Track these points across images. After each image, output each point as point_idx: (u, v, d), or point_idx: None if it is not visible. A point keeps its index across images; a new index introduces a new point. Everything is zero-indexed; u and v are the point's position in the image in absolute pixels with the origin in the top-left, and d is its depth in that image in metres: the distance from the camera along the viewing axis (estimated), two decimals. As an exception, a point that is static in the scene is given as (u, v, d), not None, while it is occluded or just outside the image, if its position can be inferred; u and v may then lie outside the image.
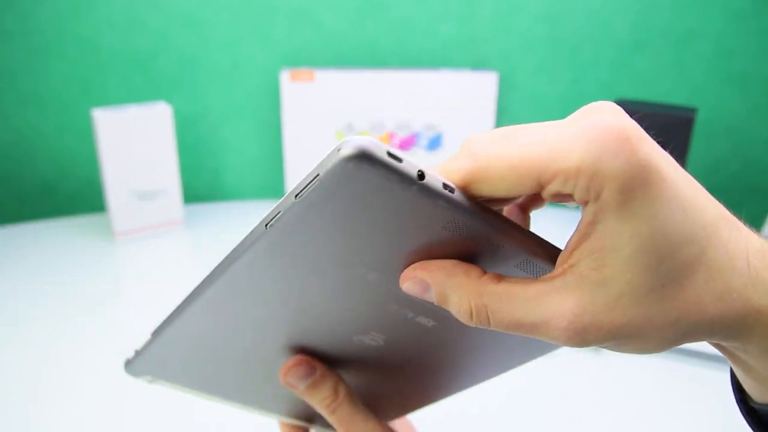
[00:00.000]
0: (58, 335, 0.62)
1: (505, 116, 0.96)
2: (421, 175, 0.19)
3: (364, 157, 0.18)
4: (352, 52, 0.93)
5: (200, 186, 0.99)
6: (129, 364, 0.31)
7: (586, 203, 0.19)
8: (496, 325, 0.21)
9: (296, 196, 0.19)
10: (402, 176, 0.18)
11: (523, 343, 0.27)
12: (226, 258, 0.23)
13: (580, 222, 0.20)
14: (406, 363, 0.30)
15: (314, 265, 0.23)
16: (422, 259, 0.22)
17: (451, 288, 0.21)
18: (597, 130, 0.18)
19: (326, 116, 0.90)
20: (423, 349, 0.28)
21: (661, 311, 0.19)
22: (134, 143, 0.79)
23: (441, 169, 0.21)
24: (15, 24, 0.85)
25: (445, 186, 0.19)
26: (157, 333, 0.28)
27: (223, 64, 0.92)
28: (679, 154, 0.78)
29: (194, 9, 0.88)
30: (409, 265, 0.22)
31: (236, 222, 0.89)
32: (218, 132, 0.96)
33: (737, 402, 0.25)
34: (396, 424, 0.38)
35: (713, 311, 0.19)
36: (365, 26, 0.91)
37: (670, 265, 0.19)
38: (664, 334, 0.20)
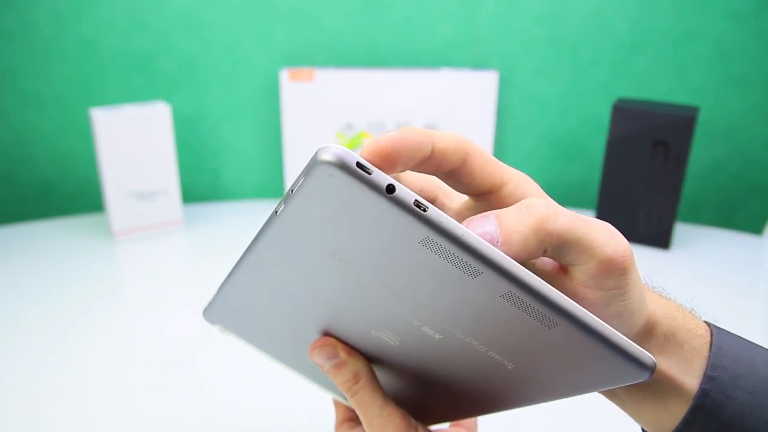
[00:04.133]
0: (57, 334, 0.62)
1: (505, 116, 0.96)
2: (391, 189, 0.20)
3: (334, 165, 0.20)
4: (352, 52, 0.93)
5: (200, 186, 0.99)
6: (205, 311, 0.34)
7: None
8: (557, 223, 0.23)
9: (291, 191, 0.21)
10: (371, 187, 0.20)
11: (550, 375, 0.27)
12: (259, 232, 0.25)
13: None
14: (428, 371, 0.30)
15: (317, 254, 0.24)
16: (405, 269, 0.23)
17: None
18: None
19: (326, 116, 0.90)
20: (438, 361, 0.28)
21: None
22: (133, 143, 0.79)
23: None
24: (15, 24, 0.85)
25: (417, 203, 0.20)
26: (222, 285, 0.30)
27: (223, 64, 0.92)
28: (681, 154, 0.78)
29: (194, 9, 0.88)
30: (396, 272, 0.23)
31: (236, 222, 0.89)
32: (218, 132, 0.96)
33: None
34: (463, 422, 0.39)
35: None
36: (365, 26, 0.92)
37: None
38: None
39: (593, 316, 0.22)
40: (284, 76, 0.87)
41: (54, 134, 0.92)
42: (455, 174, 0.25)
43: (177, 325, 0.64)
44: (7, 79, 0.88)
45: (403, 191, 0.20)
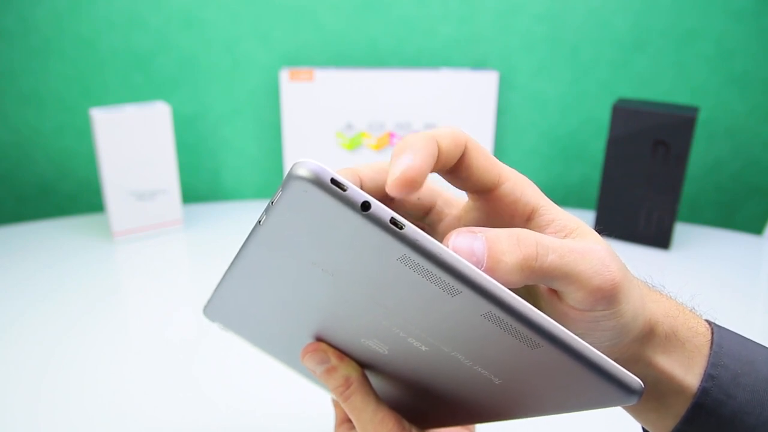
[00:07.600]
0: (57, 334, 0.62)
1: (505, 116, 0.96)
2: (366, 206, 0.20)
3: (308, 181, 0.20)
4: (351, 52, 0.93)
5: (199, 186, 0.99)
6: (205, 308, 0.34)
7: None
8: (543, 262, 0.23)
9: (272, 202, 0.21)
10: (346, 203, 0.20)
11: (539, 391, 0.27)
12: (245, 240, 0.25)
13: None
14: (419, 380, 0.30)
15: (301, 264, 0.24)
16: (386, 284, 0.23)
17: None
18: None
19: (326, 116, 0.90)
20: (427, 371, 0.28)
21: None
22: (133, 143, 0.79)
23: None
24: (14, 24, 0.85)
25: (394, 221, 0.20)
26: (218, 284, 0.30)
27: (223, 64, 0.92)
28: (681, 154, 0.78)
29: (194, 9, 0.88)
30: (377, 286, 0.23)
31: (236, 222, 0.89)
32: (218, 132, 0.96)
33: None
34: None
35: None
36: (365, 26, 0.91)
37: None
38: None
39: (578, 338, 0.22)
40: (284, 76, 0.87)
41: (53, 134, 0.92)
42: (454, 168, 0.26)
43: (177, 325, 0.64)
44: (6, 78, 0.88)
45: (378, 208, 0.20)
